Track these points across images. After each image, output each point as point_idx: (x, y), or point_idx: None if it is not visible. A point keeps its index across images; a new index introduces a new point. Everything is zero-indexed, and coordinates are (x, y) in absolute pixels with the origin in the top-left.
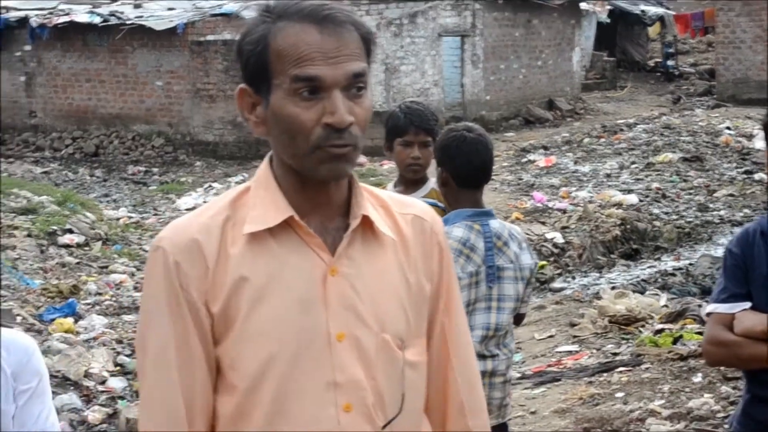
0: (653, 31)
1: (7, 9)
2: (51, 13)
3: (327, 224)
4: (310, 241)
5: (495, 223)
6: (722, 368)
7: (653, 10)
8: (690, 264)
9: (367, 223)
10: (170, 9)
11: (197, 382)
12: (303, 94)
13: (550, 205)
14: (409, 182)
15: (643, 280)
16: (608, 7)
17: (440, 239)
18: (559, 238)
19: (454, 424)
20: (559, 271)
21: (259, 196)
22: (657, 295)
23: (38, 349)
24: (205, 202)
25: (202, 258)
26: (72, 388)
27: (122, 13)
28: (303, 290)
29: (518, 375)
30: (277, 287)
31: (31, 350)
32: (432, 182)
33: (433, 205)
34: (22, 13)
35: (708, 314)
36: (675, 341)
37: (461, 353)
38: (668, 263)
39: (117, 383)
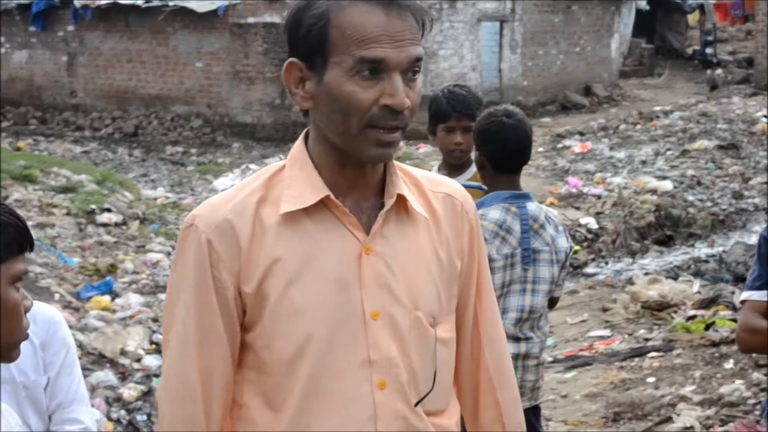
0: (692, 18)
1: None
2: None
3: (362, 203)
4: (346, 220)
5: (532, 206)
6: (754, 355)
7: None
8: (723, 251)
9: (401, 202)
10: None
11: (215, 359)
12: (364, 74)
13: (584, 190)
14: (453, 166)
15: (676, 266)
16: None
17: (471, 218)
18: (593, 224)
19: (484, 399)
20: (592, 256)
21: (294, 176)
22: (690, 281)
23: (64, 320)
24: None
25: (235, 238)
26: (108, 365)
27: None
28: (338, 269)
29: (550, 359)
30: (312, 267)
31: (57, 320)
32: None
33: (477, 188)
34: None
35: (742, 301)
36: (707, 327)
37: (491, 332)
38: (702, 250)
39: (152, 361)
